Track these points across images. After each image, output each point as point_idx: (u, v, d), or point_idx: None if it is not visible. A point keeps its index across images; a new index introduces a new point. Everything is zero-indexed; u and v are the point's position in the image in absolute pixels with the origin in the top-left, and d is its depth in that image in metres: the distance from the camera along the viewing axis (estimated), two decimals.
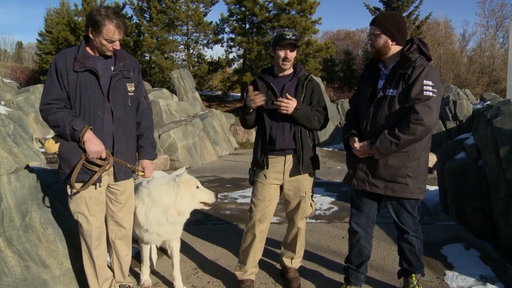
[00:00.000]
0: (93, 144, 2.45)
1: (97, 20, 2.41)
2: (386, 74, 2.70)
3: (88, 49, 2.55)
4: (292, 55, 2.87)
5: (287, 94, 2.83)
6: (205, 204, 2.98)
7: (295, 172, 2.94)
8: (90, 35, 2.48)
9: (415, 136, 2.49)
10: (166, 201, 2.80)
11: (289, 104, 2.77)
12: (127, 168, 2.67)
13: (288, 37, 2.82)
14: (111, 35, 2.44)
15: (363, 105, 2.79)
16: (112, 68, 2.58)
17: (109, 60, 2.58)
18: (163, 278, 3.30)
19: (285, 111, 2.79)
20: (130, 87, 2.64)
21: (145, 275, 3.12)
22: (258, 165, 2.96)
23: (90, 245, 2.61)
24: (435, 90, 2.49)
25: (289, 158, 2.94)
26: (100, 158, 2.51)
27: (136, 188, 2.95)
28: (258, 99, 2.81)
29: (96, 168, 2.50)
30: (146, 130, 2.78)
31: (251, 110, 2.90)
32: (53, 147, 2.51)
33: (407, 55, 2.59)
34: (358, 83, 3.01)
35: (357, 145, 2.69)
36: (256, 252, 3.03)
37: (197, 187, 2.95)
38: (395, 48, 2.66)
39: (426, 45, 2.69)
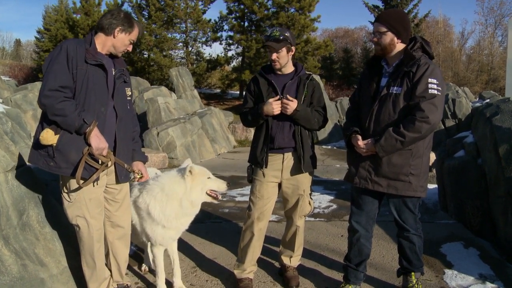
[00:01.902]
0: (99, 140, 2.41)
1: (132, 21, 2.55)
2: (390, 72, 2.69)
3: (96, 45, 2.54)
4: (277, 56, 2.84)
5: (287, 96, 2.82)
6: (214, 197, 2.87)
7: (295, 170, 2.93)
8: (116, 34, 2.49)
9: (420, 133, 2.49)
10: (180, 192, 2.79)
11: (289, 105, 2.77)
12: (127, 170, 2.66)
13: (267, 37, 2.85)
14: (136, 36, 2.60)
15: (365, 103, 2.77)
16: (113, 70, 2.59)
17: (110, 61, 2.59)
18: None
19: (283, 111, 2.80)
20: (128, 92, 2.71)
21: None
22: (257, 163, 2.95)
23: (92, 247, 2.57)
24: (439, 88, 2.50)
25: (288, 156, 2.93)
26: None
27: (143, 187, 2.91)
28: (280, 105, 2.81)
29: (97, 165, 2.47)
30: (136, 134, 2.86)
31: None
32: (52, 138, 2.34)
33: (411, 53, 2.59)
34: (358, 81, 3.00)
35: (361, 142, 2.68)
36: (255, 251, 3.03)
37: (209, 178, 2.89)
38: (399, 46, 2.65)
39: (429, 43, 2.70)
